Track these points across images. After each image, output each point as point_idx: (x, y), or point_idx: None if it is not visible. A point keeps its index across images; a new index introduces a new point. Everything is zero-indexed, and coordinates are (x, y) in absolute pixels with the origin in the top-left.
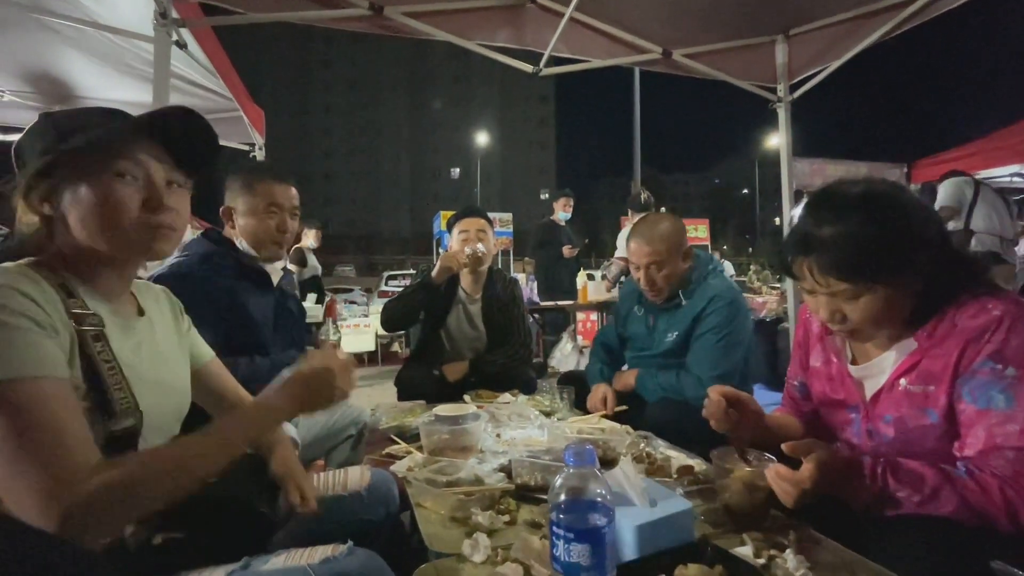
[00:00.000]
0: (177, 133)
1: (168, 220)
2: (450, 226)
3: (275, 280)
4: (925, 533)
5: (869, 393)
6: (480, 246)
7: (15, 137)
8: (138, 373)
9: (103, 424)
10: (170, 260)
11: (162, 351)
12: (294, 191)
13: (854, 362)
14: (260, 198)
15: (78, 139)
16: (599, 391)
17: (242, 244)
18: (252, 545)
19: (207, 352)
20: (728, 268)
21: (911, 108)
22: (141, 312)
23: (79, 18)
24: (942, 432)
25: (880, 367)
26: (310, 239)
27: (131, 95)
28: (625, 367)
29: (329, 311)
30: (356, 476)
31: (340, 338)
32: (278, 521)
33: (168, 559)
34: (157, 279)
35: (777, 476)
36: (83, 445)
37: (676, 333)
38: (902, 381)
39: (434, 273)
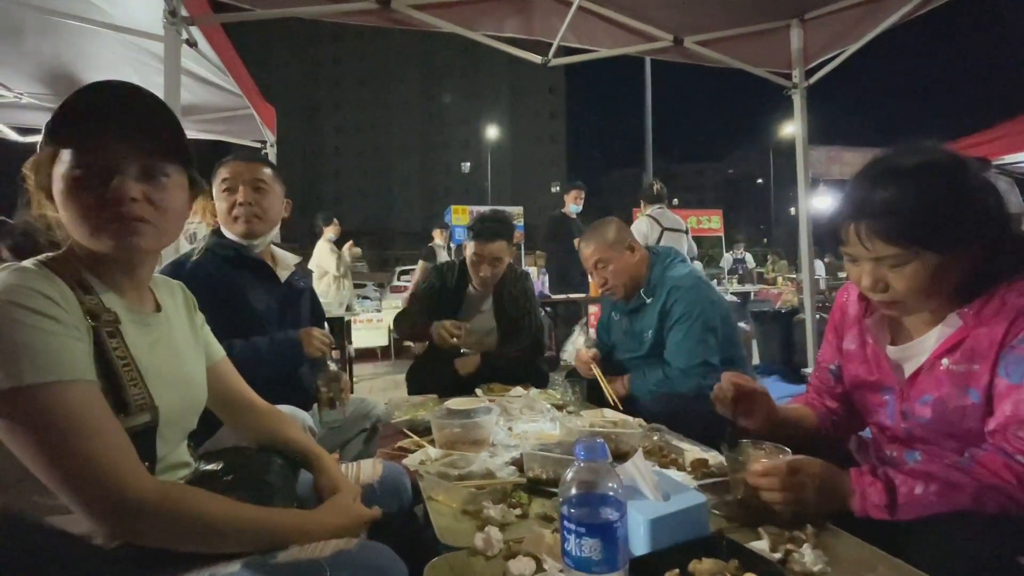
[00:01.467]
0: (143, 120)
1: (136, 212)
2: (468, 230)
3: (283, 276)
4: (951, 529)
5: (907, 373)
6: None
7: (33, 139)
8: (155, 369)
9: (120, 421)
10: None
11: (178, 347)
12: (254, 166)
13: (893, 343)
14: (216, 180)
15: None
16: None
17: (228, 233)
18: None
19: (219, 351)
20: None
21: (933, 92)
22: (158, 308)
23: (90, 19)
24: (983, 413)
25: (921, 347)
26: (438, 238)
27: None
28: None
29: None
30: (368, 469)
31: (339, 374)
32: None
33: (186, 554)
34: (163, 272)
35: (757, 473)
36: (129, 450)
37: (650, 331)
38: (944, 361)
39: (433, 336)
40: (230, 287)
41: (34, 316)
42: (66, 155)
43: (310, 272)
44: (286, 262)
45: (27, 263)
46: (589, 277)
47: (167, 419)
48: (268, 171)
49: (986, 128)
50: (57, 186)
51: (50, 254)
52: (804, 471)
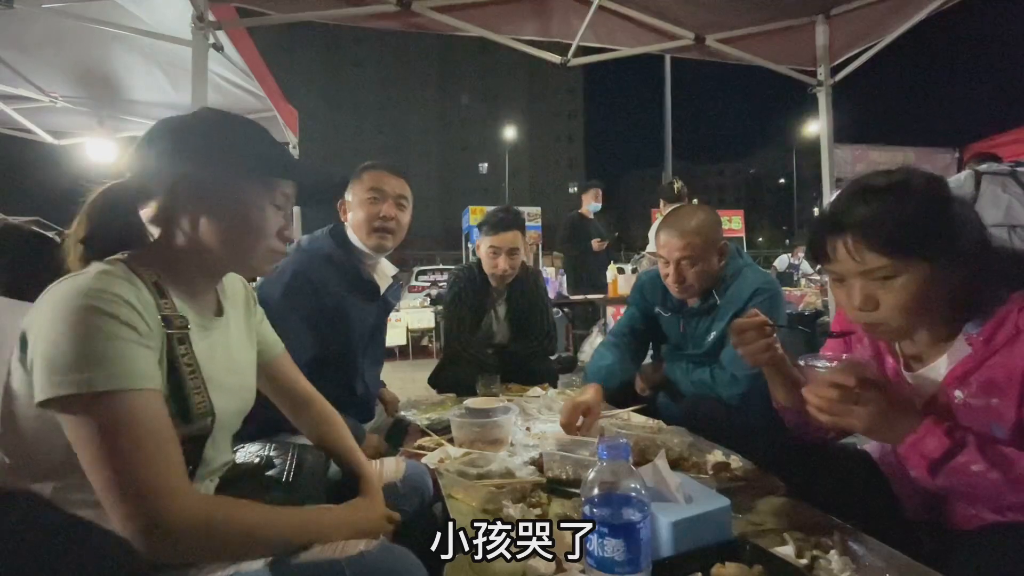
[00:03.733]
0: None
1: (284, 248)
2: (480, 227)
3: (382, 288)
4: (986, 538)
5: (922, 401)
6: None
7: (68, 142)
8: (213, 375)
9: (180, 428)
10: (295, 253)
11: (234, 351)
12: (401, 181)
13: (905, 368)
14: (363, 186)
15: (250, 157)
16: (584, 395)
17: (355, 239)
18: None
19: (277, 345)
20: (805, 267)
21: (963, 88)
22: (220, 311)
23: (122, 24)
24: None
25: (934, 375)
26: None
27: (174, 96)
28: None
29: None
30: (391, 467)
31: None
32: None
33: None
34: (281, 271)
35: (832, 373)
36: (179, 466)
37: (715, 333)
38: (958, 393)
39: None
40: (340, 308)
41: (114, 323)
42: (261, 182)
43: (399, 283)
44: (385, 273)
45: (110, 264)
46: (605, 272)
47: (220, 424)
48: (409, 189)
49: (1019, 126)
50: (232, 202)
51: (132, 253)
52: (880, 386)
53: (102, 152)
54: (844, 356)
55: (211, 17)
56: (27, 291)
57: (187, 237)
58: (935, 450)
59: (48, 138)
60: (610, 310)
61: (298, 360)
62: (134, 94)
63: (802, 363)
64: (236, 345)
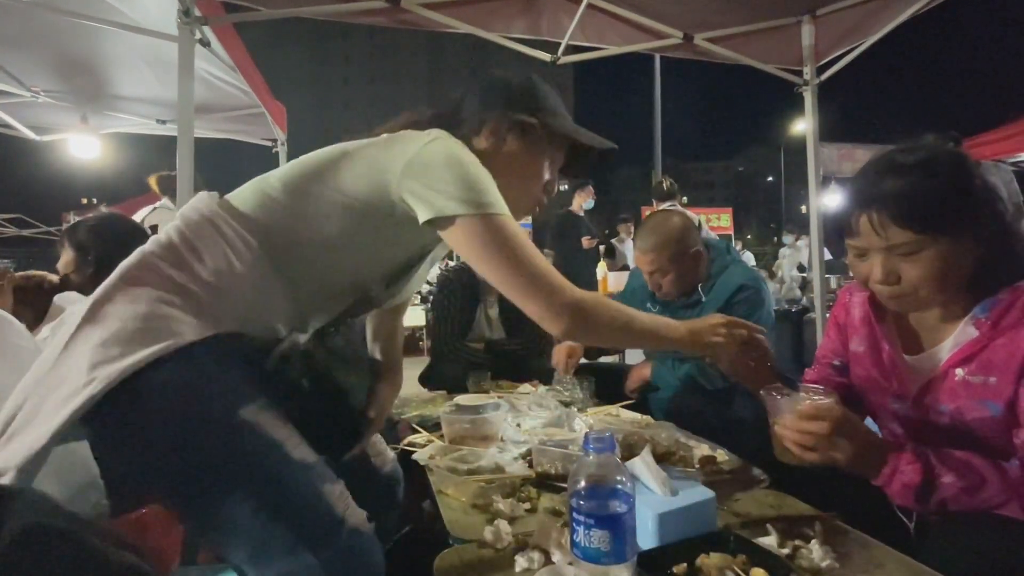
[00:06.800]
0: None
1: None
2: None
3: None
4: (960, 526)
5: (921, 383)
6: None
7: (50, 138)
8: None
9: None
10: None
11: None
12: None
13: (907, 352)
14: None
15: None
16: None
17: None
18: (340, 445)
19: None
20: (749, 258)
21: (950, 87)
22: None
23: (106, 19)
24: (1004, 426)
25: (937, 358)
26: (622, 232)
27: (160, 92)
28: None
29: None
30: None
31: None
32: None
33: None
34: None
35: (801, 414)
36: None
37: None
38: (959, 371)
39: None
40: None
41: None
42: None
43: None
44: None
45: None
46: (595, 269)
47: None
48: None
49: (1000, 125)
50: None
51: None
52: (852, 422)
53: (85, 148)
54: (813, 393)
55: (197, 12)
56: None
57: None
58: (913, 476)
59: (30, 134)
60: None
61: None
62: (119, 89)
63: (764, 394)
64: None
